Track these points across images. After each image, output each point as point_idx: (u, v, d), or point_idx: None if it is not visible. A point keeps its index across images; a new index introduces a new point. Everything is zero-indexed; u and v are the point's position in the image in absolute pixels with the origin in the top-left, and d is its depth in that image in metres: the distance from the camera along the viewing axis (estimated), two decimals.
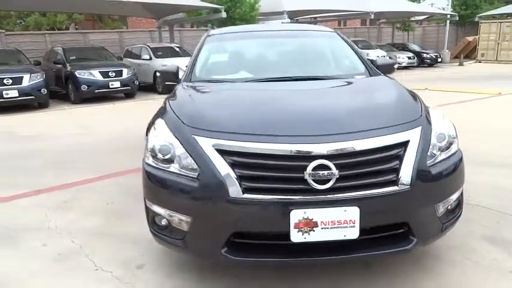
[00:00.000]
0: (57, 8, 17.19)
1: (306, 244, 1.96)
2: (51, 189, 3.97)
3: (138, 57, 13.65)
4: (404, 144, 2.07)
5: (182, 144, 2.15)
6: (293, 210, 1.90)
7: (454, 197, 2.25)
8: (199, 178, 2.03)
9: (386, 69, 3.43)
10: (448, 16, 21.26)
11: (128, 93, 11.73)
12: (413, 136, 2.12)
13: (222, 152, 2.02)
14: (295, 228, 1.91)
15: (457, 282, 2.27)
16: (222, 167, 1.98)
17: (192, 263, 2.53)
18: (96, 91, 10.97)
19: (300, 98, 2.63)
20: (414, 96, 2.61)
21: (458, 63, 20.08)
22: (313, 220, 1.91)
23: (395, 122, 2.17)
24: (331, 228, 1.93)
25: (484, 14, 21.57)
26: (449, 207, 2.24)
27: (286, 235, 1.95)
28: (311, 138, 1.99)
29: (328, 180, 1.92)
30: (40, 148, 5.72)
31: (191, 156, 2.08)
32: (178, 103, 2.58)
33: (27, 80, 9.84)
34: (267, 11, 15.22)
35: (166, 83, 3.60)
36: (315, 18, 19.88)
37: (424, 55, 19.46)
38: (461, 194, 2.35)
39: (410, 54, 18.92)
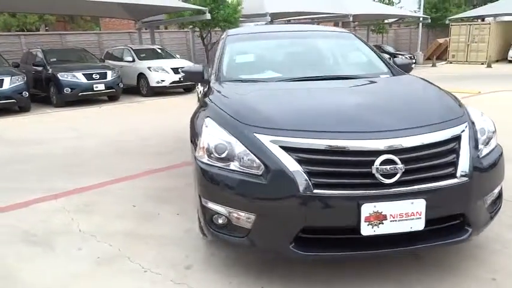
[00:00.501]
0: (32, 9, 16.59)
1: (372, 237, 2.01)
2: (68, 193, 3.86)
3: (120, 59, 13.41)
4: (458, 139, 2.17)
5: (241, 142, 2.16)
6: (364, 204, 1.95)
7: (498, 188, 2.37)
8: (264, 175, 2.05)
9: (406, 69, 3.54)
10: (421, 19, 22.00)
11: (112, 95, 11.52)
12: (464, 131, 2.21)
13: (287, 149, 2.05)
14: (365, 221, 1.97)
15: (506, 268, 2.38)
16: (290, 164, 2.01)
17: (238, 260, 2.54)
18: (80, 94, 10.70)
19: (345, 95, 2.70)
20: (450, 94, 2.72)
21: (431, 65, 20.79)
22: (383, 213, 1.97)
23: (446, 117, 2.26)
24: (399, 220, 1.99)
25: (454, 17, 22.44)
26: (493, 198, 2.35)
27: (355, 229, 2.00)
28: (376, 134, 2.05)
29: (394, 174, 1.98)
30: (39, 152, 5.53)
31: (254, 154, 2.10)
32: (226, 102, 2.57)
33: (7, 83, 9.47)
34: (249, 12, 15.27)
35: (188, 83, 3.59)
36: (289, 20, 20.10)
37: (399, 57, 19.99)
38: (501, 187, 2.47)
39: (387, 56, 19.39)
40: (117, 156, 5.25)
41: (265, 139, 2.11)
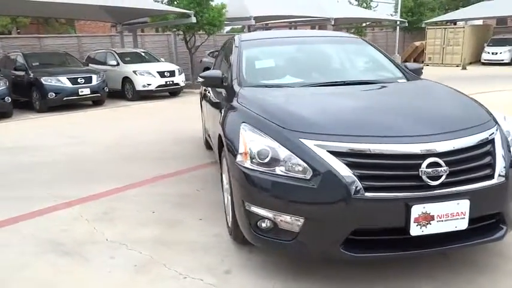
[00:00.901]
0: (7, 11, 16.07)
1: (419, 237, 2.09)
2: (82, 201, 3.79)
3: (103, 63, 13.18)
4: (492, 141, 2.28)
5: (286, 147, 2.20)
6: (414, 206, 2.02)
7: None
8: (313, 179, 2.09)
9: (417, 73, 3.66)
10: (398, 22, 22.61)
11: (97, 100, 11.30)
12: (495, 133, 2.33)
13: (336, 154, 2.10)
14: (414, 222, 2.04)
15: None
16: (341, 168, 2.06)
17: (276, 263, 2.57)
18: (65, 99, 10.46)
19: (376, 100, 2.78)
20: (473, 98, 2.84)
21: None
22: (431, 214, 2.05)
23: (478, 121, 2.37)
24: (445, 220, 2.07)
25: (429, 20, 23.14)
26: None
27: (403, 229, 2.07)
28: (421, 138, 2.14)
29: (440, 177, 2.07)
30: (38, 160, 5.39)
31: (301, 158, 2.14)
32: (261, 107, 2.59)
33: None
34: (234, 16, 15.31)
35: (208, 87, 3.62)
36: (267, 24, 20.29)
37: None
38: None
39: None
40: (121, 162, 5.18)
41: (312, 144, 2.16)
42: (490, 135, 2.29)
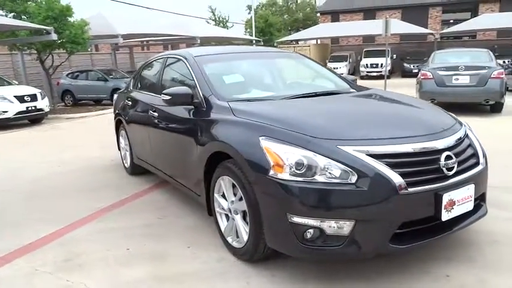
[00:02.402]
0: None
1: (445, 221, 2.39)
2: (21, 252, 3.07)
3: None
4: (468, 136, 2.76)
5: (324, 156, 2.26)
6: (444, 195, 2.31)
7: None
8: (359, 183, 2.20)
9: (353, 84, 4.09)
10: (254, 41, 24.33)
11: None
12: (467, 130, 2.82)
13: (375, 157, 2.26)
14: (444, 209, 2.32)
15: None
16: (384, 169, 2.22)
17: (302, 274, 2.57)
18: None
19: (372, 107, 3.11)
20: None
21: None
22: (454, 200, 2.36)
23: (453, 121, 2.84)
24: (462, 204, 2.43)
25: (280, 40, 25.55)
26: None
27: (434, 216, 2.34)
28: (434, 136, 2.48)
29: (452, 168, 2.41)
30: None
31: (343, 164, 2.23)
32: (275, 120, 2.57)
33: None
34: (99, 33, 14.31)
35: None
36: (142, 42, 19.64)
37: None
38: None
39: None
40: (37, 200, 4.35)
41: (350, 150, 2.27)
42: (465, 132, 2.76)
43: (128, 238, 3.26)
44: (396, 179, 2.21)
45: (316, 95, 3.33)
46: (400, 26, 21.87)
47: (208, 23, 26.48)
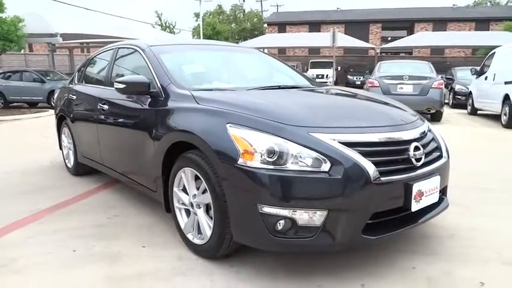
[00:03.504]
0: None
1: (413, 212, 2.38)
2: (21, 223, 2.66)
3: None
4: (431, 130, 2.81)
5: (296, 143, 2.16)
6: (413, 185, 2.30)
7: None
8: (333, 171, 2.12)
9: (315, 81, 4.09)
10: None
11: None
12: (429, 125, 2.87)
13: (348, 145, 2.20)
14: (414, 199, 2.31)
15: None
16: (358, 157, 2.16)
17: (270, 267, 2.44)
18: None
19: (341, 100, 3.08)
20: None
21: None
22: (422, 190, 2.37)
23: (415, 115, 2.87)
24: (429, 195, 2.44)
25: None
26: None
27: (404, 207, 2.32)
28: (403, 126, 2.48)
29: (420, 159, 2.41)
30: None
31: (316, 151, 2.14)
32: (243, 107, 2.43)
33: None
34: (35, 32, 13.40)
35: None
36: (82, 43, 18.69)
37: None
38: None
39: None
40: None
41: (325, 137, 2.19)
42: (428, 126, 2.81)
43: (74, 239, 2.94)
44: (370, 167, 2.16)
45: (279, 87, 3.26)
46: (344, 40, 22.80)
47: (154, 27, 25.86)
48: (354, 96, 3.23)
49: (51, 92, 13.71)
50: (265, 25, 32.55)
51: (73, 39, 15.42)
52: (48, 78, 14.35)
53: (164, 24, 26.15)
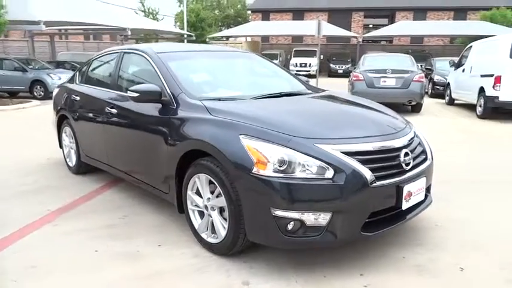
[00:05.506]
0: None
1: (404, 210, 2.71)
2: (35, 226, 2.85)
3: None
4: (417, 136, 3.13)
5: (303, 153, 2.45)
6: (404, 187, 2.62)
7: None
8: (336, 178, 2.42)
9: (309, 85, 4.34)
10: (186, 36, 24.00)
11: None
12: (416, 131, 3.19)
13: (349, 154, 2.50)
14: (404, 199, 2.64)
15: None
16: (357, 165, 2.47)
17: (279, 263, 2.74)
18: None
19: (336, 109, 3.35)
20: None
21: None
22: (411, 191, 2.70)
23: (405, 123, 3.18)
24: (417, 194, 2.78)
25: (212, 35, 25.48)
26: None
27: (396, 206, 2.66)
28: (395, 135, 2.80)
29: (409, 163, 2.74)
30: None
31: (320, 161, 2.43)
32: (254, 119, 2.68)
33: None
34: (17, 19, 13.15)
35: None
36: (60, 30, 18.38)
37: None
38: None
39: None
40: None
41: (328, 148, 2.48)
42: (414, 132, 3.13)
43: (92, 240, 3.15)
44: (367, 173, 2.47)
45: (281, 95, 3.51)
46: (327, 28, 23.02)
47: (136, 13, 25.49)
48: (351, 103, 3.52)
49: (34, 82, 13.54)
50: (249, 12, 32.44)
51: (55, 27, 15.15)
52: (30, 67, 14.07)
53: (147, 10, 25.82)
